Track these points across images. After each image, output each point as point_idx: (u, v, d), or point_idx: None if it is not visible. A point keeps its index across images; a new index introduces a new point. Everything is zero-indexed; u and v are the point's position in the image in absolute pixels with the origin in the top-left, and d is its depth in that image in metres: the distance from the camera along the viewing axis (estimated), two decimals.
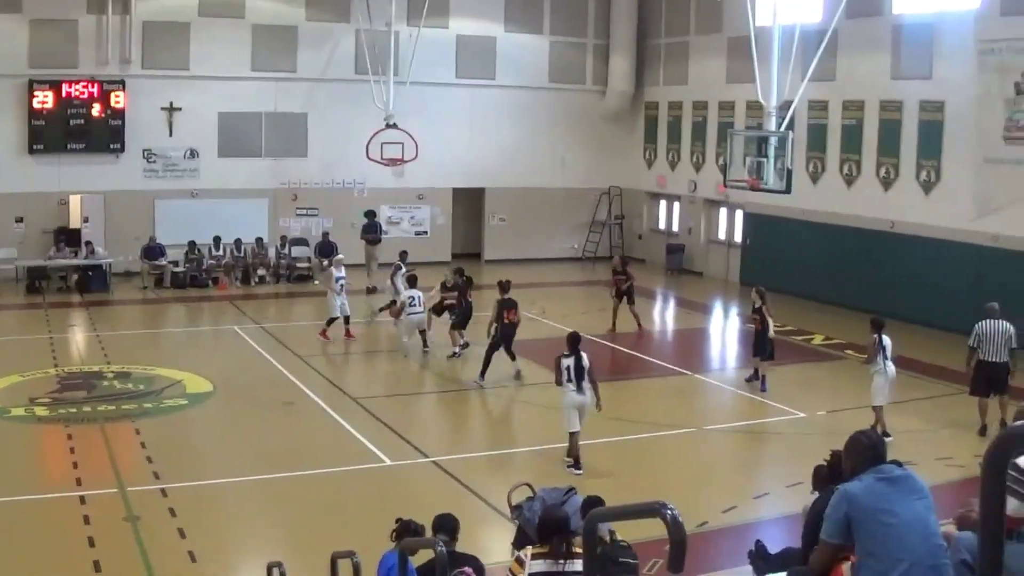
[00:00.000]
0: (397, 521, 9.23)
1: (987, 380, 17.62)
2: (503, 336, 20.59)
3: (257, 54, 32.41)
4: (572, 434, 15.66)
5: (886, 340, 17.28)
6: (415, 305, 22.53)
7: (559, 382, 15.72)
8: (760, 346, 20.64)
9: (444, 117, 34.60)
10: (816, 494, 8.20)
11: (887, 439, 16.90)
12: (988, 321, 17.67)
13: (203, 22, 31.52)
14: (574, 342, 15.89)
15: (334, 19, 33.24)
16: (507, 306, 20.66)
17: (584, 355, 15.74)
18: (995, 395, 17.66)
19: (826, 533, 6.48)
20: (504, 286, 21.00)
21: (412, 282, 23.04)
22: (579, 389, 15.46)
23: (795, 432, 17.53)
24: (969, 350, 17.82)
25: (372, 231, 31.97)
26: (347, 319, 24.22)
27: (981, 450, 3.23)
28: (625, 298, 25.55)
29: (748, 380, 21.09)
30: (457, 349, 22.29)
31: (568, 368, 15.54)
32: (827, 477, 8.18)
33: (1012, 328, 17.59)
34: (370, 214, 32.49)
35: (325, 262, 29.82)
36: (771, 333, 20.46)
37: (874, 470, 6.32)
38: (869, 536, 6.15)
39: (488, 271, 31.50)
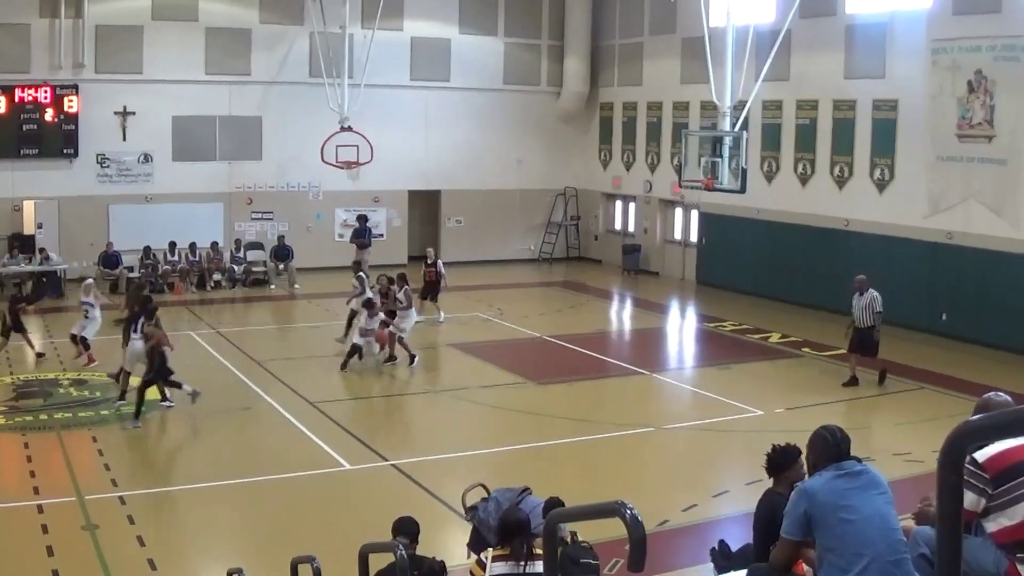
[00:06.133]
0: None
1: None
2: None
3: (211, 57, 32.20)
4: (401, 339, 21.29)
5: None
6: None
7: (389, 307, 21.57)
8: None
9: (399, 119, 34.54)
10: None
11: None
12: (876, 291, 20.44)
13: (156, 25, 31.28)
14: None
15: (288, 22, 33.09)
16: None
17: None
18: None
19: (786, 530, 6.51)
20: None
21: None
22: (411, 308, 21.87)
23: (753, 430, 17.60)
24: (878, 316, 20.25)
25: (362, 235, 31.95)
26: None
27: (938, 444, 3.24)
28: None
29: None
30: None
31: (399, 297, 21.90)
32: (767, 471, 8.27)
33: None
34: (362, 219, 32.51)
35: (280, 265, 31.54)
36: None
37: (834, 466, 6.37)
38: (829, 532, 6.19)
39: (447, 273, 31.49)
